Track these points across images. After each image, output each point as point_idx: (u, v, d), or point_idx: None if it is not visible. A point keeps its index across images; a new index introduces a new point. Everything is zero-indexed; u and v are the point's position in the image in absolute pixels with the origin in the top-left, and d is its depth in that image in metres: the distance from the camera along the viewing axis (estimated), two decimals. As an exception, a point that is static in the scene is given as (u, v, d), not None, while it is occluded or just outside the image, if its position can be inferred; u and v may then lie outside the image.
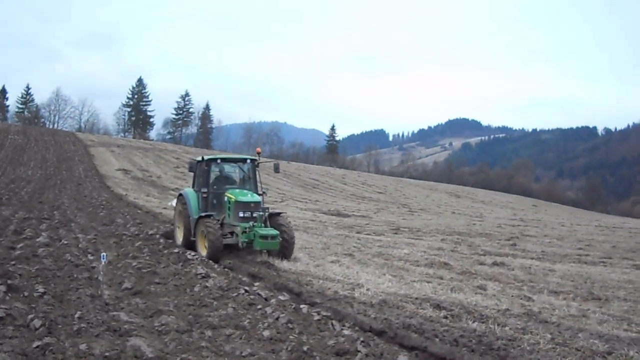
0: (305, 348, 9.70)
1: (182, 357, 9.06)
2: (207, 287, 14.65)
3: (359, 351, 9.80)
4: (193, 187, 24.02)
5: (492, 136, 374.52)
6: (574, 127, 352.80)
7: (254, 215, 21.06)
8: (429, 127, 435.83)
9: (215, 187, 23.06)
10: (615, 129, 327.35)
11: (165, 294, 13.93)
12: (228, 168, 24.49)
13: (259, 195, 23.00)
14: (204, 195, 22.72)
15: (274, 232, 20.69)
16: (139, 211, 37.60)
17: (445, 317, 13.68)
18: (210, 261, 19.45)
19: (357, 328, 11.70)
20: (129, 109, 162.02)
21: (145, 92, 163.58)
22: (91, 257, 18.06)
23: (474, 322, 13.33)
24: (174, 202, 26.86)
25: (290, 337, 10.54)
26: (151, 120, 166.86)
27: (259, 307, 12.79)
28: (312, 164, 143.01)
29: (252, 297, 13.62)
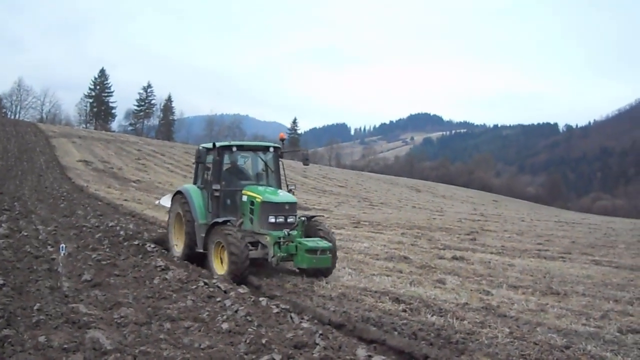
0: (263, 341, 9.69)
1: (141, 350, 9.01)
2: (166, 279, 14.64)
3: (317, 344, 9.85)
4: (195, 182, 19.90)
5: (453, 131, 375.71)
6: (535, 123, 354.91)
7: (289, 220, 17.38)
8: (391, 122, 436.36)
9: (228, 182, 18.75)
10: (577, 125, 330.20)
11: (124, 286, 13.88)
12: (245, 158, 20.23)
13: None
14: (216, 193, 18.14)
15: (325, 243, 16.69)
16: (100, 203, 37.44)
17: (404, 311, 13.81)
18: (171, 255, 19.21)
19: (316, 321, 11.79)
20: (90, 100, 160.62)
21: (108, 83, 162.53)
22: (51, 249, 17.98)
23: (432, 315, 13.47)
24: (164, 201, 23.73)
25: (249, 329, 10.56)
26: (113, 111, 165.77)
27: (218, 299, 12.85)
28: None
29: (211, 289, 13.66)
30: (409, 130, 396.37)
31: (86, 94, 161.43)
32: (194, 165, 20.51)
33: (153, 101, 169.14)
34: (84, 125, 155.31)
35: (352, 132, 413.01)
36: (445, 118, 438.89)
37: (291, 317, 11.80)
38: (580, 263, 24.92)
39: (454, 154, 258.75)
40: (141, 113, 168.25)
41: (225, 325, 10.73)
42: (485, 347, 11.15)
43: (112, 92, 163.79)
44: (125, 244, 20.53)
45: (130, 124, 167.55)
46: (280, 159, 19.79)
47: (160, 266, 16.27)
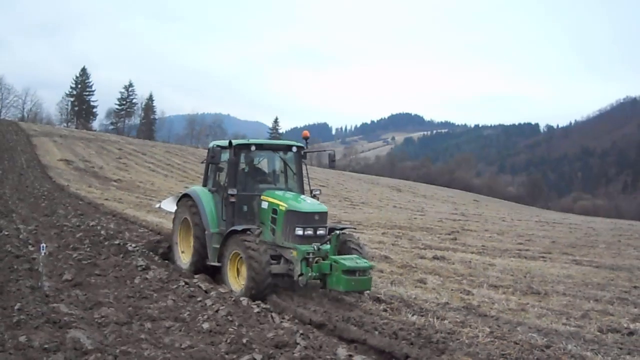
0: (244, 340, 9.73)
1: (122, 349, 8.99)
2: (147, 279, 14.67)
3: (298, 344, 9.86)
4: (205, 185, 17.93)
5: (434, 131, 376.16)
6: (516, 123, 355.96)
7: (319, 232, 15.19)
8: (372, 122, 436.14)
9: (244, 186, 16.74)
10: (557, 125, 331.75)
11: (105, 286, 13.86)
12: (265, 158, 18.21)
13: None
14: (231, 198, 16.07)
15: (365, 262, 14.38)
16: (81, 202, 37.32)
17: (385, 310, 13.97)
18: (152, 255, 18.96)
19: (296, 321, 11.90)
20: (72, 99, 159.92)
21: (89, 82, 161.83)
22: (32, 249, 17.85)
23: (413, 315, 13.60)
24: (166, 205, 21.55)
25: (230, 329, 10.58)
26: (94, 110, 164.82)
27: (199, 299, 12.89)
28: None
29: (192, 289, 13.74)
30: (390, 130, 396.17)
31: (67, 92, 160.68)
32: (204, 166, 18.43)
33: (134, 100, 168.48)
34: (65, 124, 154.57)
35: (334, 132, 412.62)
36: (427, 118, 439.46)
37: (272, 317, 11.88)
38: (560, 263, 25.05)
39: (435, 154, 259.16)
40: (122, 112, 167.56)
41: (206, 325, 10.75)
42: (466, 347, 11.20)
43: (93, 91, 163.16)
44: (106, 243, 20.36)
45: (112, 123, 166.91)
46: (303, 160, 17.72)
47: (141, 266, 16.23)
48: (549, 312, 14.84)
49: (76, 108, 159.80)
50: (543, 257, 26.76)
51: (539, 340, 11.93)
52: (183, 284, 14.25)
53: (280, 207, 15.34)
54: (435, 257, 23.72)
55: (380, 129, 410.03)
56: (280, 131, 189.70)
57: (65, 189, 45.65)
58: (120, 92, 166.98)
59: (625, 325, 13.98)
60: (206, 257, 16.51)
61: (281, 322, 11.51)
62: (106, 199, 40.75)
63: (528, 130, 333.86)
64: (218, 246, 16.00)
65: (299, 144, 17.40)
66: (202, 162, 19.37)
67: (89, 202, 37.45)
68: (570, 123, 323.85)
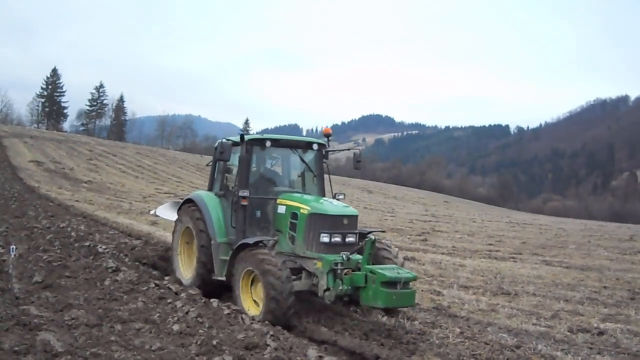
0: (214, 342, 9.70)
1: (92, 352, 8.96)
2: (117, 280, 14.50)
3: (268, 345, 9.84)
4: (211, 188, 16.08)
5: (405, 132, 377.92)
6: (487, 125, 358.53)
7: (347, 239, 13.22)
8: (343, 123, 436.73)
9: (257, 188, 14.72)
10: (528, 127, 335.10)
11: (75, 288, 13.72)
12: (281, 157, 15.97)
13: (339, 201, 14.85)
14: (243, 202, 13.99)
15: (408, 273, 12.09)
16: (51, 204, 37.14)
17: (355, 312, 13.98)
18: (122, 256, 18.82)
19: (266, 322, 11.76)
20: (42, 100, 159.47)
21: (60, 83, 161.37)
22: (1, 250, 17.71)
23: (383, 316, 13.66)
24: (161, 211, 19.83)
25: (200, 331, 10.55)
26: (65, 111, 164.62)
27: (169, 301, 12.80)
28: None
29: (162, 291, 13.63)
30: (360, 132, 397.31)
31: (38, 93, 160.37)
32: (210, 166, 16.60)
33: (105, 101, 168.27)
34: (36, 125, 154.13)
35: (304, 133, 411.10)
36: (397, 119, 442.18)
37: (242, 318, 11.78)
38: (530, 263, 25.16)
39: (406, 155, 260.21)
40: (93, 113, 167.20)
41: (176, 327, 10.70)
42: (436, 347, 11.33)
43: (64, 92, 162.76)
44: (77, 245, 20.18)
45: (82, 124, 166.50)
46: (324, 160, 15.72)
47: (111, 267, 16.00)
48: (519, 313, 14.89)
49: (47, 109, 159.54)
50: (513, 257, 26.88)
51: (509, 340, 12.04)
52: (153, 285, 14.10)
53: (302, 211, 13.36)
54: (405, 258, 23.51)
55: (351, 130, 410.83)
56: (251, 132, 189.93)
57: (35, 191, 45.55)
58: (91, 93, 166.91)
59: (595, 325, 14.06)
60: (212, 271, 14.46)
61: (251, 323, 11.44)
62: (77, 201, 40.58)
63: (498, 131, 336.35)
64: (226, 258, 13.93)
65: (320, 141, 15.45)
66: (208, 165, 17.08)
67: (59, 204, 37.28)
68: (541, 125, 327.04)
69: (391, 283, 11.55)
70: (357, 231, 13.59)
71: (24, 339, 9.25)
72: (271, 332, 10.60)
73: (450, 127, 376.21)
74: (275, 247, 13.80)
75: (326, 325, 12.36)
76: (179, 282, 15.34)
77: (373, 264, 12.60)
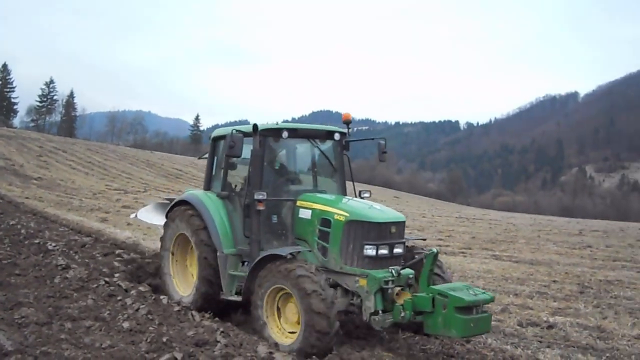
0: (164, 339, 9.74)
1: (42, 350, 8.95)
2: (67, 278, 14.37)
3: (218, 342, 9.88)
4: (208, 187, 13.81)
5: (355, 128, 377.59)
6: (437, 120, 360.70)
7: (395, 251, 11.25)
8: (293, 119, 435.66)
9: (272, 188, 12.59)
10: (477, 123, 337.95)
11: (25, 286, 13.64)
12: (298, 149, 13.84)
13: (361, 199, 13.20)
14: (258, 207, 11.79)
15: (484, 294, 10.25)
16: (1, 201, 36.66)
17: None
18: (72, 254, 18.63)
19: (216, 319, 11.84)
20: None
21: (10, 79, 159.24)
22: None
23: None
24: (144, 215, 16.93)
25: (150, 328, 10.57)
26: (15, 107, 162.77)
27: (119, 298, 12.70)
28: (175, 154, 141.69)
29: (112, 288, 13.52)
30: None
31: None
32: (207, 159, 14.15)
33: (55, 97, 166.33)
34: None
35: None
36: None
37: (192, 315, 11.83)
38: (480, 258, 25.41)
39: (355, 151, 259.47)
40: (43, 109, 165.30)
41: (126, 324, 10.69)
42: (387, 342, 11.44)
43: (14, 87, 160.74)
44: (26, 242, 19.96)
45: (32, 120, 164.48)
46: (344, 152, 13.74)
47: (61, 265, 15.76)
48: (468, 307, 15.03)
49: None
50: (463, 252, 27.13)
51: (458, 335, 12.13)
52: (103, 283, 13.91)
53: (337, 217, 11.32)
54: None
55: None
56: (202, 128, 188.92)
57: (-16, 188, 44.99)
58: (42, 89, 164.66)
59: (545, 318, 14.34)
60: (219, 288, 12.43)
61: (201, 320, 11.51)
62: (26, 198, 40.15)
63: (448, 127, 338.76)
64: (236, 273, 12.25)
65: (341, 130, 13.40)
66: (201, 158, 15.89)
67: (9, 201, 36.82)
68: (490, 120, 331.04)
69: (466, 308, 9.81)
70: (405, 240, 11.70)
71: (-26, 338, 9.22)
72: (221, 329, 10.66)
73: (401, 122, 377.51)
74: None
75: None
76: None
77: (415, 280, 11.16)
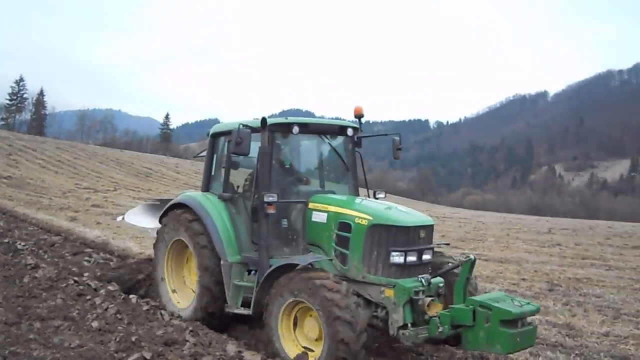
0: (133, 338, 9.70)
1: (11, 350, 8.96)
2: (36, 277, 14.24)
3: (187, 341, 9.88)
4: (207, 188, 12.90)
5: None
6: (407, 119, 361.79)
7: (424, 258, 10.21)
8: (264, 117, 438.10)
9: (282, 189, 11.48)
10: (447, 122, 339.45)
11: (-7, 286, 13.62)
12: (308, 146, 12.73)
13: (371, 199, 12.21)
14: (268, 210, 10.66)
15: (529, 304, 9.45)
16: (-31, 200, 36.64)
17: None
18: (42, 253, 18.50)
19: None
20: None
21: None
22: None
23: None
24: (133, 218, 15.92)
25: (119, 327, 10.51)
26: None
27: (88, 297, 12.59)
28: (145, 153, 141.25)
29: (81, 287, 13.39)
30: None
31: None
32: (205, 158, 13.21)
33: (25, 95, 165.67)
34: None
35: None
36: (318, 114, 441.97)
37: (161, 314, 11.78)
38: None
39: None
40: (13, 107, 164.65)
41: (95, 324, 10.63)
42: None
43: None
44: (-6, 242, 19.84)
45: (2, 119, 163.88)
46: (356, 148, 12.83)
47: (30, 264, 15.59)
48: (436, 306, 15.09)
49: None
50: (433, 251, 27.19)
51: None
52: (72, 282, 13.74)
53: (359, 221, 10.24)
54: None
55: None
56: (172, 127, 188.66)
57: (-48, 187, 44.77)
58: (11, 87, 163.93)
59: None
60: (223, 300, 11.45)
61: (170, 319, 11.48)
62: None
63: (418, 126, 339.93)
64: (241, 283, 11.36)
65: (354, 125, 12.41)
66: (197, 156, 15.08)
67: (-23, 201, 36.78)
68: (460, 119, 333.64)
69: (511, 322, 8.95)
70: (433, 246, 10.64)
71: (-59, 339, 9.21)
72: (190, 328, 10.62)
73: (371, 121, 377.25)
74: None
75: (245, 321, 11.99)
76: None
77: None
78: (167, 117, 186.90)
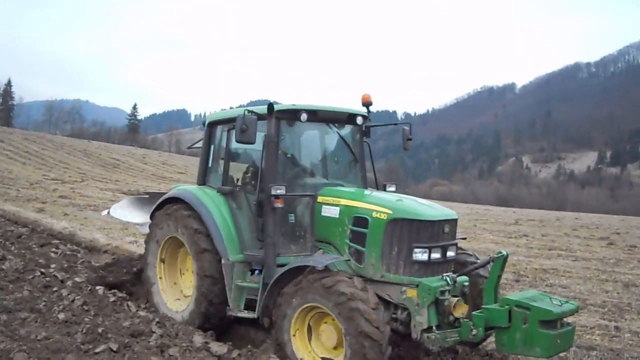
0: (100, 330, 9.68)
1: (-24, 343, 8.90)
2: (3, 269, 14.23)
3: (154, 332, 9.86)
4: (204, 181, 11.96)
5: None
6: (374, 111, 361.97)
7: (448, 254, 9.38)
8: (231, 108, 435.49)
9: (289, 181, 10.57)
10: (415, 113, 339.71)
11: (-41, 279, 13.56)
12: (316, 134, 11.77)
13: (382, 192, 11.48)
14: (276, 204, 9.85)
15: (568, 303, 8.70)
16: None
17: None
18: (8, 245, 18.33)
19: (152, 309, 11.74)
20: None
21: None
22: None
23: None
24: (119, 212, 14.47)
25: (86, 319, 10.48)
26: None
27: (55, 289, 12.58)
28: (113, 144, 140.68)
29: (48, 279, 13.41)
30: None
31: None
32: (201, 149, 12.32)
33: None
34: None
35: (193, 118, 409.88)
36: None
37: (128, 306, 11.72)
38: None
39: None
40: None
41: (61, 316, 10.60)
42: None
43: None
44: (-39, 235, 19.72)
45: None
46: (364, 138, 11.89)
47: None
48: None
49: None
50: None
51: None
52: (39, 274, 13.76)
53: (376, 215, 9.41)
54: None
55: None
56: (139, 117, 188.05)
57: None
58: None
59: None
60: (224, 303, 10.62)
61: (137, 310, 11.42)
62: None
63: (386, 117, 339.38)
64: (244, 284, 10.52)
65: (364, 113, 11.53)
66: (192, 147, 14.04)
67: (-56, 193, 36.58)
68: (428, 111, 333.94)
69: (550, 323, 8.25)
70: (457, 243, 9.77)
71: None
72: (157, 319, 10.59)
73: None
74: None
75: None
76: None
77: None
78: (134, 107, 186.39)
